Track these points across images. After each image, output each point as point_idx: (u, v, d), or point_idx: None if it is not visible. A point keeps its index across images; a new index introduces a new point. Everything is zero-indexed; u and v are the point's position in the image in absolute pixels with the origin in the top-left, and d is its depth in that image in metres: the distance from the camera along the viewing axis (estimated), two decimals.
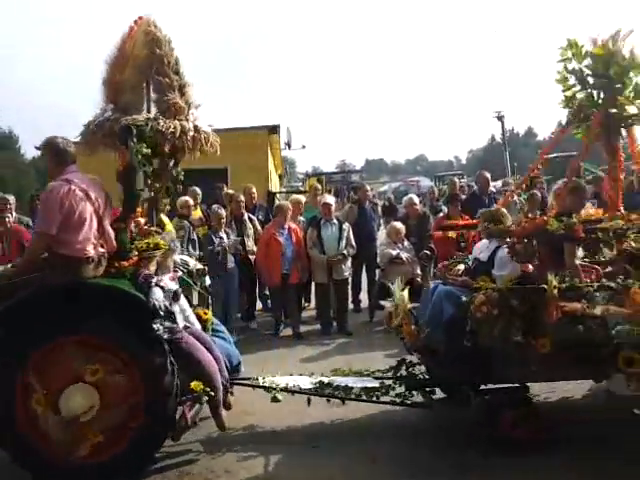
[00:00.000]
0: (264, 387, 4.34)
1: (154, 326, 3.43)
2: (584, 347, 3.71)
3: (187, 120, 3.77)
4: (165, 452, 3.93)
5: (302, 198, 8.61)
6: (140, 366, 3.47)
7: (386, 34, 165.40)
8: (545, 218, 3.73)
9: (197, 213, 7.89)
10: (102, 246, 3.56)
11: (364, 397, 4.27)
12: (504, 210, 4.37)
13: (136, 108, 3.72)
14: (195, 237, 7.18)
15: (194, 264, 4.90)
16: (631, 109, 4.17)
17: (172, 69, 3.82)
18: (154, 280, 3.58)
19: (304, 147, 22.76)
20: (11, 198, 6.49)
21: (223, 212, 7.12)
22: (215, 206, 7.39)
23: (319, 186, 9.42)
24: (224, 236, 6.91)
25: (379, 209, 13.40)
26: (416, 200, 8.34)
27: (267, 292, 7.91)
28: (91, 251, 3.45)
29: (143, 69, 3.78)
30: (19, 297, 3.44)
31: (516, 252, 3.88)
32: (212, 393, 3.74)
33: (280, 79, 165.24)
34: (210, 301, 5.19)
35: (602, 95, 4.17)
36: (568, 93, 4.28)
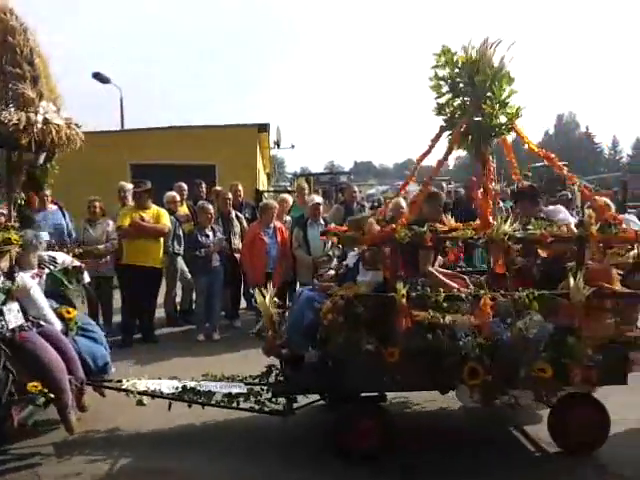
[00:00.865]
0: (124, 390, 4.25)
1: None
2: (432, 357, 3.70)
3: (36, 113, 3.68)
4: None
5: (289, 197, 8.52)
6: None
7: (380, 37, 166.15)
8: (394, 226, 3.72)
9: (183, 209, 7.87)
10: None
11: (224, 403, 4.21)
12: (371, 219, 4.35)
13: None
14: (181, 233, 7.29)
15: (70, 261, 4.79)
16: (500, 118, 4.20)
17: (25, 59, 3.74)
18: None
19: (293, 147, 22.46)
20: None
21: (211, 208, 7.12)
22: (202, 202, 7.37)
23: (306, 186, 9.25)
24: (210, 233, 6.95)
25: (367, 211, 13.16)
26: (403, 204, 8.13)
27: (251, 290, 7.65)
28: None
29: None
30: None
31: (365, 259, 3.87)
32: (52, 395, 3.64)
33: (271, 78, 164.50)
34: (87, 299, 5.04)
35: (468, 103, 4.19)
36: (441, 100, 4.29)
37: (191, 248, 6.95)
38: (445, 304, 3.70)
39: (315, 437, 4.19)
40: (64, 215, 7.17)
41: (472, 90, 4.09)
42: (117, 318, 7.08)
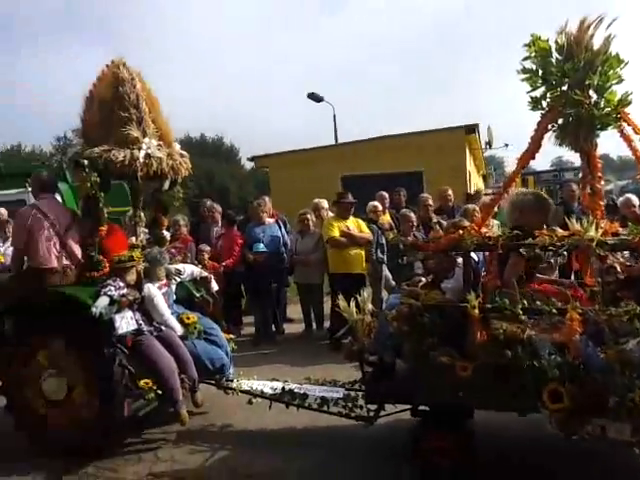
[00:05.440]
0: (229, 388, 4.69)
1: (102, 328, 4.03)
2: (510, 374, 3.36)
3: (139, 149, 4.30)
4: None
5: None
6: (90, 360, 4.10)
7: None
8: (460, 232, 3.45)
9: (386, 218, 8.03)
10: (67, 259, 4.29)
11: (315, 406, 4.37)
12: (465, 221, 4.09)
13: (102, 141, 4.33)
14: (384, 241, 7.27)
15: (199, 272, 5.41)
16: (606, 108, 3.62)
17: (132, 104, 4.39)
18: (104, 290, 4.16)
19: (507, 145, 21.57)
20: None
21: (412, 215, 7.26)
22: (404, 210, 7.53)
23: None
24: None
25: None
26: (635, 201, 7.14)
27: None
28: (54, 263, 4.22)
29: (109, 106, 4.39)
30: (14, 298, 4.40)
31: (428, 267, 3.66)
32: (159, 391, 4.20)
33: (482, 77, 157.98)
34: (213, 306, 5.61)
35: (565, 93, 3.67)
36: (536, 93, 3.84)
37: (394, 256, 7.04)
38: (524, 317, 3.34)
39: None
40: (280, 227, 7.88)
41: (572, 77, 3.59)
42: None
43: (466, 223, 4.05)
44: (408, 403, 3.88)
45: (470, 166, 15.91)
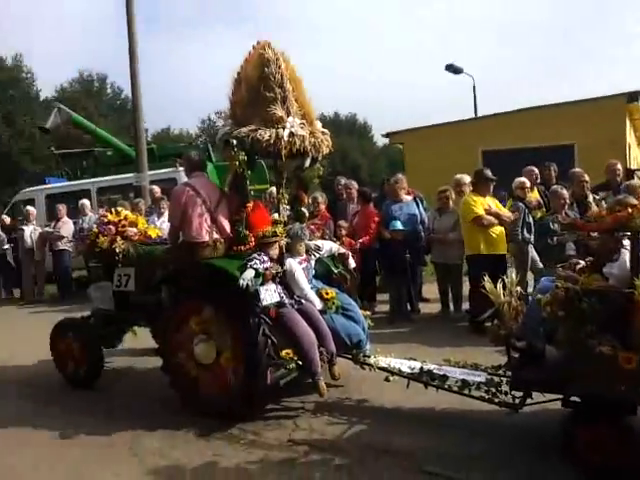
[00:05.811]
0: (366, 364, 4.71)
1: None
2: None
3: (283, 128, 4.39)
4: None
5: None
6: (237, 328, 4.34)
7: None
8: (630, 211, 3.06)
9: (534, 195, 7.48)
10: (217, 233, 4.55)
11: (455, 389, 4.24)
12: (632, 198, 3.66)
13: (248, 121, 4.49)
14: (531, 220, 6.84)
15: (337, 249, 5.48)
16: None
17: (277, 84, 4.48)
18: (250, 263, 4.35)
19: None
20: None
21: (565, 193, 6.58)
22: (555, 186, 6.89)
23: None
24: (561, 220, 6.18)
25: None
26: None
27: None
28: (205, 237, 4.51)
29: (255, 86, 4.53)
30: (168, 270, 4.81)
31: (590, 248, 3.30)
32: (299, 362, 4.33)
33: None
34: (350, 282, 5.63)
35: None
36: None
37: (542, 236, 6.48)
38: None
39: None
40: (418, 205, 7.80)
41: None
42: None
43: (633, 201, 3.63)
44: (559, 393, 3.61)
45: (630, 138, 14.31)
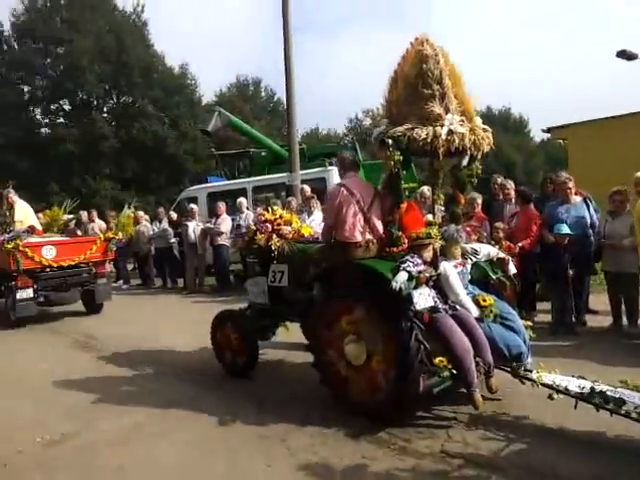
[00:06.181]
0: (528, 379, 4.35)
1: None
2: None
3: (441, 126, 4.19)
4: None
5: None
6: (388, 331, 4.23)
7: None
8: None
9: None
10: (370, 234, 4.49)
11: (634, 416, 3.74)
12: None
13: (404, 119, 4.36)
14: None
15: (496, 253, 5.15)
16: None
17: (435, 80, 4.28)
18: (403, 265, 4.22)
19: None
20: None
21: None
22: None
23: None
24: None
25: None
26: None
27: None
28: (358, 237, 4.48)
29: (413, 84, 4.38)
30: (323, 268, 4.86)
31: None
32: (454, 371, 4.12)
33: None
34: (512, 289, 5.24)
35: None
36: None
37: None
38: None
39: None
40: (588, 207, 7.24)
41: None
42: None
43: None
44: None
45: None
